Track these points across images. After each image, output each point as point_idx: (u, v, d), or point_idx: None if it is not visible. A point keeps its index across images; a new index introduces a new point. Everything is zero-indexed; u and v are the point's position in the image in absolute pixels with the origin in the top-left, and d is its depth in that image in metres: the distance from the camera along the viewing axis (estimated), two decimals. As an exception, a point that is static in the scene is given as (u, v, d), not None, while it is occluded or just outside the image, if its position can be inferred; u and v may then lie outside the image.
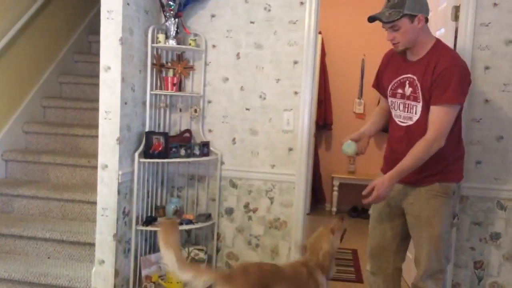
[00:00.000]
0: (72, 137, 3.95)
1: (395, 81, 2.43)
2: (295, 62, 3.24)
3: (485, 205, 3.03)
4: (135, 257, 3.15)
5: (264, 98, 3.30)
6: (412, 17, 2.25)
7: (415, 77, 2.33)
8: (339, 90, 6.08)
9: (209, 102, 3.38)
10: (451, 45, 3.05)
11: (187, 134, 3.35)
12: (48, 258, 3.30)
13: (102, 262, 2.96)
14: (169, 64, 3.32)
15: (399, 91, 2.41)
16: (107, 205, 2.94)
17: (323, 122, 5.98)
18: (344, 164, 6.13)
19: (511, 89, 2.98)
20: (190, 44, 3.25)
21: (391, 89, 2.45)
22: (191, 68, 3.35)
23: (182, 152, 3.20)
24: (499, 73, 2.98)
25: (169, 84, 3.23)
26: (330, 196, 6.14)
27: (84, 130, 3.92)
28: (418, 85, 2.31)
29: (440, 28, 3.27)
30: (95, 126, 3.05)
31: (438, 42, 2.36)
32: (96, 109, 2.98)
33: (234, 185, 3.38)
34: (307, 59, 3.19)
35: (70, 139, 3.96)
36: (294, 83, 3.25)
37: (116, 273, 2.98)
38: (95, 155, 3.03)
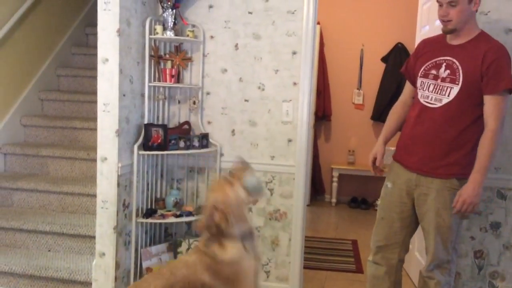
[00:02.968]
0: (71, 130, 3.95)
1: (430, 62, 2.42)
2: (294, 53, 3.22)
3: (485, 194, 3.03)
4: (136, 250, 3.16)
5: (263, 89, 3.29)
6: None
7: (455, 60, 2.33)
8: (338, 81, 6.07)
9: (208, 93, 3.36)
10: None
11: (186, 126, 3.34)
12: (49, 251, 3.30)
13: (102, 254, 2.96)
14: (167, 56, 3.31)
15: (433, 71, 2.40)
16: (107, 197, 2.93)
17: (322, 113, 5.97)
18: (343, 155, 6.13)
19: (510, 78, 2.96)
20: (188, 35, 3.23)
21: (424, 69, 2.44)
22: (189, 59, 3.33)
23: (182, 144, 3.19)
24: (498, 62, 2.96)
25: (168, 76, 3.21)
26: (330, 187, 6.14)
27: (82, 123, 3.92)
28: (460, 68, 2.31)
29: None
30: (94, 119, 3.04)
31: (483, 32, 2.39)
32: (95, 102, 2.97)
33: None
34: (305, 50, 3.18)
35: (68, 132, 3.96)
36: (293, 74, 3.23)
37: (117, 265, 2.98)
38: (94, 148, 3.02)
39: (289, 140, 3.28)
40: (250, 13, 3.26)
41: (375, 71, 5.95)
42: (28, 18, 4.02)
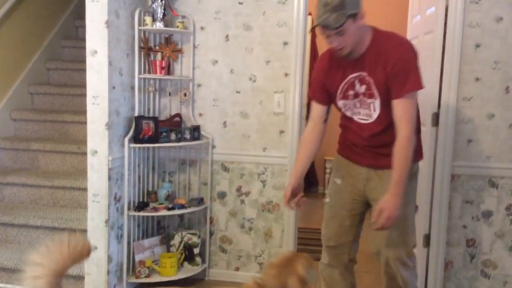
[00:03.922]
0: (61, 123, 3.91)
1: (343, 83, 2.27)
2: (285, 43, 3.20)
3: (476, 183, 3.04)
4: (128, 243, 3.14)
5: (254, 81, 3.27)
6: (355, 16, 2.07)
7: (364, 74, 2.20)
8: (331, 72, 6.04)
9: (199, 85, 3.34)
10: (441, 23, 3.03)
11: (177, 119, 3.32)
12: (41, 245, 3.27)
13: (94, 248, 2.94)
14: (157, 48, 3.28)
15: (350, 92, 2.26)
16: (98, 191, 2.91)
17: (315, 105, 5.95)
18: (336, 146, 6.12)
19: (502, 67, 2.96)
20: (177, 27, 3.20)
21: (341, 92, 2.29)
22: (180, 51, 3.30)
23: (173, 136, 3.17)
24: (489, 50, 2.96)
25: (158, 68, 3.19)
26: (323, 179, 6.14)
27: (73, 117, 3.88)
28: (371, 81, 2.19)
29: (430, 7, 3.24)
30: (84, 112, 3.00)
31: (375, 31, 2.20)
32: (85, 95, 2.93)
33: (226, 169, 3.36)
34: (297, 40, 3.16)
35: (59, 125, 3.92)
36: (284, 65, 3.22)
37: (109, 259, 2.97)
38: (85, 142, 2.99)
39: (281, 132, 3.27)
40: (240, 3, 3.23)
41: (368, 61, 5.93)
42: (16, 11, 3.96)
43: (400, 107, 2.14)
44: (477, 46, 2.97)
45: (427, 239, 3.17)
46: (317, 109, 2.42)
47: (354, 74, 2.23)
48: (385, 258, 2.35)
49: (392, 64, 2.12)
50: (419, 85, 2.15)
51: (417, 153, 2.32)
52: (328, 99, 2.37)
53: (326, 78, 2.33)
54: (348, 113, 2.33)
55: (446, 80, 3.02)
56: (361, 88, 2.23)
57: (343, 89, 2.28)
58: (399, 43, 2.18)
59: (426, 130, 3.19)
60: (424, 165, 3.20)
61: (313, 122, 2.43)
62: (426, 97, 3.24)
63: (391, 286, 2.42)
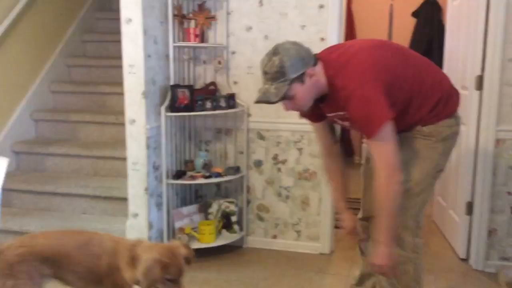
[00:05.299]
0: (99, 95, 3.97)
1: (330, 116, 2.13)
2: (321, 6, 3.11)
3: (523, 148, 2.93)
4: (168, 211, 3.19)
5: (290, 47, 3.20)
6: (300, 78, 1.90)
7: (341, 113, 2.01)
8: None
9: (233, 53, 3.30)
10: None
11: (212, 87, 3.31)
12: (83, 213, 3.37)
13: (135, 215, 3.01)
14: (190, 15, 3.24)
15: (338, 123, 2.14)
16: (137, 159, 2.96)
17: (350, 72, 5.82)
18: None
19: (552, 25, 2.80)
20: (211, -7, 3.15)
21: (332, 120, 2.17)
22: (213, 18, 3.26)
23: (208, 104, 3.16)
24: (539, 7, 2.80)
25: (192, 36, 3.16)
26: (359, 148, 6.06)
27: (110, 88, 3.93)
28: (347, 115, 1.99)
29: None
30: (120, 84, 3.03)
31: (330, 73, 1.96)
32: (121, 67, 2.95)
33: (261, 137, 3.34)
34: (333, 2, 3.06)
35: (96, 97, 3.98)
36: (320, 29, 3.13)
37: (150, 225, 3.03)
38: (122, 112, 3.03)
39: (318, 98, 3.21)
40: (274, -33, 3.14)
41: (406, 27, 5.74)
42: (51, -16, 4.00)
43: (373, 150, 1.97)
44: (525, 3, 2.82)
45: (470, 206, 3.09)
46: (318, 128, 2.28)
47: (332, 114, 2.09)
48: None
49: (346, 104, 1.93)
50: (379, 124, 1.88)
51: (445, 113, 2.06)
52: (320, 117, 2.20)
53: (308, 116, 2.25)
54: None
55: (491, 40, 2.88)
56: (345, 123, 2.09)
57: (330, 121, 2.20)
58: (350, 79, 1.92)
59: (469, 94, 3.08)
60: (467, 130, 3.10)
61: (323, 147, 2.33)
62: (469, 59, 3.11)
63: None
